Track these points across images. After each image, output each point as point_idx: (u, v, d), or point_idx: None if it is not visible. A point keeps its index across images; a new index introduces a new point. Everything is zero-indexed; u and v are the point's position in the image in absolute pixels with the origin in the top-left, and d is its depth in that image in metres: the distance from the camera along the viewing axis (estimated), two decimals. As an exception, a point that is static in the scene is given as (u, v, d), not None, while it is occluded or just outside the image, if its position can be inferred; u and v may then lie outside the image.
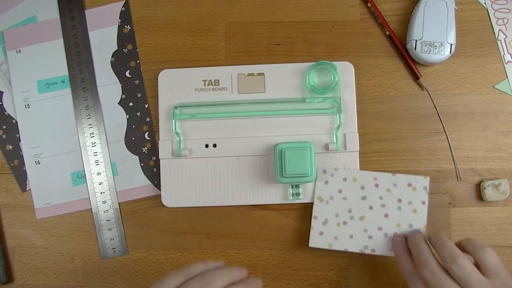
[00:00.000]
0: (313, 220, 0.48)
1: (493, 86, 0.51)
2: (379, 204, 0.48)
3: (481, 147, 0.50)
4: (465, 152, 0.50)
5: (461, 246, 0.43)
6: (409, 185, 0.48)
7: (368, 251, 0.47)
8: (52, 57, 0.52)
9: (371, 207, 0.48)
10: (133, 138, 0.52)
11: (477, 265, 0.41)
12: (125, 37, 0.52)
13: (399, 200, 0.48)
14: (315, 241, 0.48)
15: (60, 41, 0.52)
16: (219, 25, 0.52)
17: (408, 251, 0.45)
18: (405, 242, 0.46)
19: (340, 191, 0.48)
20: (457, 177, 0.50)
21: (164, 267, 0.50)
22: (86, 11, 0.53)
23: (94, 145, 0.51)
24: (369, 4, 0.51)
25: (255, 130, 0.50)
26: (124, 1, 0.53)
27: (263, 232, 0.50)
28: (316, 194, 0.49)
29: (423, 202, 0.47)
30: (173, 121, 0.50)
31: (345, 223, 0.48)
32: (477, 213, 0.50)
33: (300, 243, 0.50)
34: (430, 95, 0.51)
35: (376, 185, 0.48)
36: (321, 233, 0.48)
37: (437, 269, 0.41)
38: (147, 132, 0.52)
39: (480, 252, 0.41)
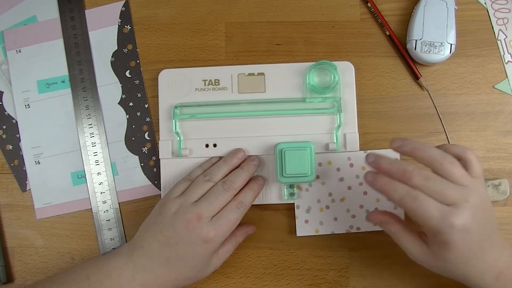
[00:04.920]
0: (296, 210, 0.49)
1: (493, 86, 0.51)
2: (357, 183, 0.49)
3: (481, 147, 0.50)
4: (465, 152, 0.50)
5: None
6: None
7: (353, 230, 0.49)
8: (52, 57, 0.52)
9: (349, 187, 0.49)
10: (133, 138, 0.52)
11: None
12: (125, 37, 0.52)
13: None
14: (301, 229, 0.49)
15: (60, 41, 0.52)
16: (219, 25, 0.52)
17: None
18: (380, 174, 0.40)
19: (317, 176, 0.49)
20: (457, 177, 0.50)
21: None
22: (86, 11, 0.53)
23: (94, 145, 0.51)
24: (369, 4, 0.51)
25: (255, 130, 0.50)
26: (124, 1, 0.53)
27: (263, 232, 0.50)
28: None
29: None
30: (173, 121, 0.50)
31: (327, 207, 0.49)
32: (477, 213, 0.50)
33: (300, 243, 0.50)
34: (430, 95, 0.51)
35: (351, 165, 0.49)
36: (306, 221, 0.49)
37: (428, 172, 0.38)
38: (147, 132, 0.52)
39: (467, 153, 0.40)
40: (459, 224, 0.37)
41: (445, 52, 0.49)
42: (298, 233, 0.49)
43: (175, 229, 0.42)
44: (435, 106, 0.51)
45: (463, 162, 0.40)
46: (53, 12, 0.53)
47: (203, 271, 0.45)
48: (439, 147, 0.41)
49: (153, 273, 0.43)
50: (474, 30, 0.51)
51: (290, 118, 0.50)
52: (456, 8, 0.50)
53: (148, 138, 0.51)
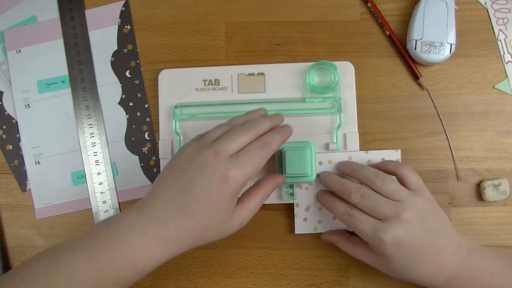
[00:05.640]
0: (295, 208, 0.49)
1: (493, 86, 0.51)
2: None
3: (481, 147, 0.50)
4: (465, 152, 0.50)
5: (378, 168, 0.45)
6: (382, 160, 0.48)
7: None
8: (52, 57, 0.52)
9: None
10: (133, 138, 0.52)
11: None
12: (125, 37, 0.52)
13: None
14: (300, 227, 0.49)
15: (60, 41, 0.52)
16: (219, 25, 0.52)
17: (336, 196, 0.45)
18: (328, 192, 0.46)
19: (317, 175, 0.48)
20: (457, 177, 0.50)
21: (163, 267, 0.50)
22: (86, 11, 0.53)
23: (94, 145, 0.51)
24: (369, 4, 0.51)
25: (255, 130, 0.49)
26: (124, 1, 0.53)
27: (263, 232, 0.50)
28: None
29: None
30: (173, 121, 0.50)
31: None
32: (477, 213, 0.50)
33: (300, 243, 0.50)
34: (430, 95, 0.51)
35: None
36: (305, 219, 0.49)
37: (365, 190, 0.42)
38: (147, 132, 0.52)
39: (399, 168, 0.44)
40: (388, 239, 0.40)
41: (445, 52, 0.49)
42: (297, 231, 0.49)
43: (190, 169, 0.38)
44: (435, 106, 0.51)
45: (399, 177, 0.44)
46: (53, 12, 0.53)
47: (225, 223, 0.39)
48: (378, 164, 0.47)
49: (167, 223, 0.37)
50: (474, 30, 0.51)
51: (290, 118, 0.49)
52: (456, 8, 0.50)
53: (148, 138, 0.51)
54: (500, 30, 0.51)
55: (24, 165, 0.52)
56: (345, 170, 0.47)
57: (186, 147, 0.40)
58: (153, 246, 0.37)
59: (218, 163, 0.37)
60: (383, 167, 0.45)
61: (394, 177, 0.44)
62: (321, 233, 0.49)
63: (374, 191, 0.42)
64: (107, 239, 0.37)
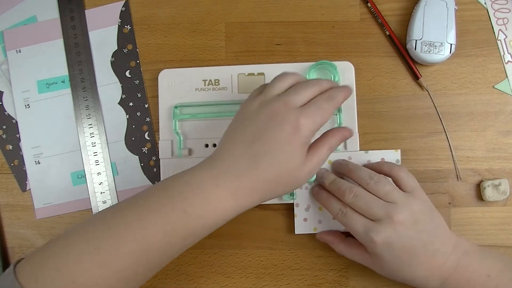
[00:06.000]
0: (295, 208, 0.49)
1: (493, 86, 0.51)
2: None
3: (481, 147, 0.50)
4: (465, 152, 0.50)
5: (374, 169, 0.45)
6: (382, 160, 0.48)
7: None
8: (52, 57, 0.52)
9: None
10: (133, 138, 0.52)
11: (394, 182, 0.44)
12: (125, 37, 0.52)
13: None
14: (300, 227, 0.49)
15: (60, 41, 0.52)
16: (219, 25, 0.52)
17: (331, 194, 0.45)
18: (323, 189, 0.46)
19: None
20: (457, 177, 0.50)
21: (163, 267, 0.50)
22: (86, 11, 0.53)
23: (94, 145, 0.51)
24: (369, 4, 0.51)
25: (255, 130, 0.49)
26: (124, 1, 0.53)
27: (263, 232, 0.50)
28: None
29: None
30: (173, 121, 0.50)
31: None
32: (477, 213, 0.50)
33: (300, 243, 0.50)
34: (430, 95, 0.51)
35: None
36: (305, 219, 0.49)
37: (358, 190, 0.42)
38: (147, 132, 0.52)
39: (394, 170, 0.44)
40: (378, 240, 0.40)
41: (445, 52, 0.49)
42: (297, 231, 0.49)
43: (260, 121, 0.38)
44: (435, 106, 0.51)
45: (394, 179, 0.44)
46: (53, 12, 0.53)
47: (295, 173, 0.38)
48: (373, 165, 0.47)
49: (239, 175, 0.37)
50: (474, 30, 0.51)
51: (290, 118, 0.49)
52: (456, 8, 0.50)
53: (148, 138, 0.51)
54: (500, 30, 0.51)
55: (24, 165, 0.52)
56: (340, 170, 0.47)
57: (249, 102, 0.40)
58: (226, 198, 0.37)
59: (288, 112, 0.37)
60: (378, 168, 0.45)
61: (389, 178, 0.44)
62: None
63: (369, 192, 0.42)
64: (179, 192, 0.37)
